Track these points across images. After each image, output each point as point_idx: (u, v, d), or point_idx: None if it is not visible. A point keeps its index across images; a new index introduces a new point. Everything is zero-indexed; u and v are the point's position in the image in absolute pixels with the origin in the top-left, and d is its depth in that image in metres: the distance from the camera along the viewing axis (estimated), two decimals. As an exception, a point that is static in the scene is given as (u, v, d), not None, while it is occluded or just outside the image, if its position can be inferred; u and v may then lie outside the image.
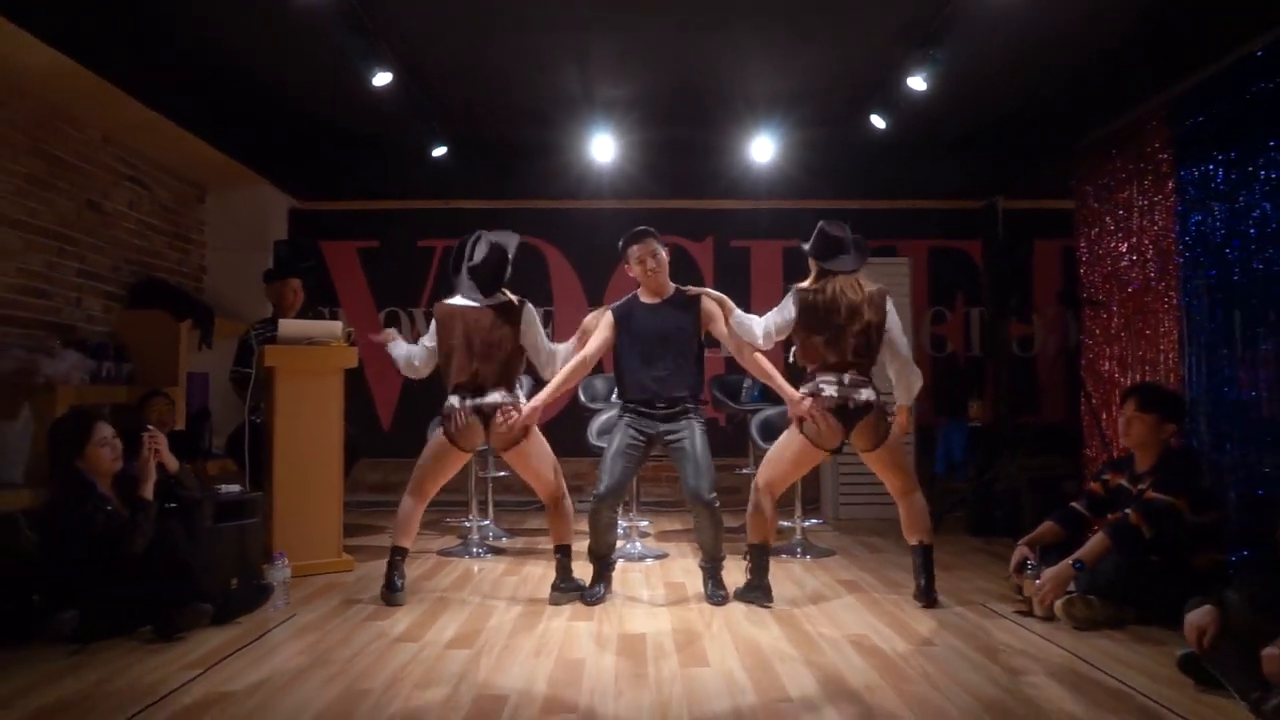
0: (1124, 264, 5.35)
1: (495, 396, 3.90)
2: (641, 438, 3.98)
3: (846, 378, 3.80)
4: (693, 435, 3.93)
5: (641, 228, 4.04)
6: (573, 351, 4.06)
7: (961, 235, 7.36)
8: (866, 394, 3.80)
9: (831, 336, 3.82)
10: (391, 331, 4.28)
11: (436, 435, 4.02)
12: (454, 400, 3.93)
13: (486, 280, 4.00)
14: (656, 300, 4.05)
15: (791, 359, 4.03)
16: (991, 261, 6.44)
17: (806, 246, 4.01)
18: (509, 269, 4.05)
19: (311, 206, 7.35)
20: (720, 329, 4.04)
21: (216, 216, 6.90)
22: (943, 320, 7.43)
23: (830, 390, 3.78)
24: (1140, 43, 4.92)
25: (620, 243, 4.05)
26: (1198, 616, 2.72)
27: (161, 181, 6.24)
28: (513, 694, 2.74)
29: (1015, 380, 6.77)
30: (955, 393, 6.98)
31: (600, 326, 4.06)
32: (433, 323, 4.06)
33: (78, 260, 5.33)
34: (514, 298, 4.05)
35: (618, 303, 4.13)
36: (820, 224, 4.01)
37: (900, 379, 3.94)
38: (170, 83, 5.42)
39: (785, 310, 3.91)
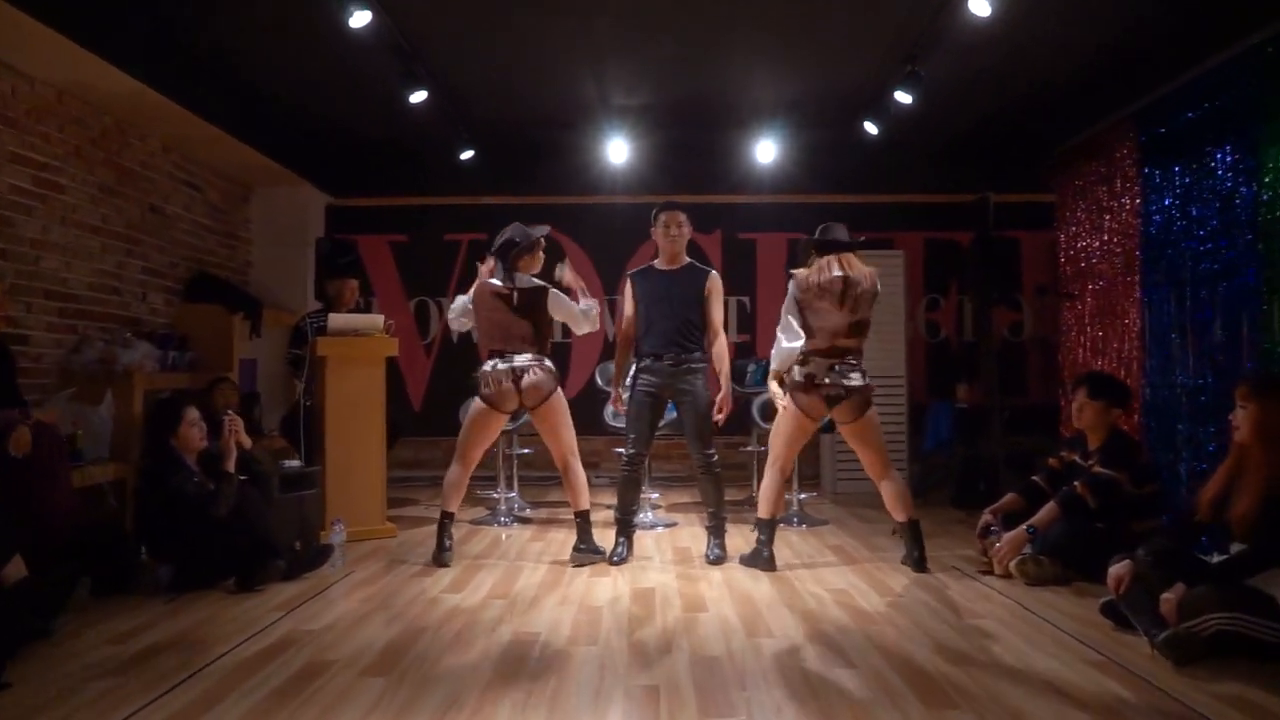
0: (1095, 259, 5.82)
1: (524, 359, 4.41)
2: (653, 388, 4.52)
3: (838, 365, 4.23)
4: (696, 398, 4.48)
5: (673, 203, 4.70)
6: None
7: (956, 227, 7.79)
8: (854, 379, 4.24)
9: (827, 317, 4.21)
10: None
11: (475, 402, 4.53)
12: (488, 366, 4.46)
13: (504, 259, 4.52)
14: (670, 267, 4.63)
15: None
16: (979, 252, 6.89)
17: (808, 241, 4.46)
18: (514, 250, 4.50)
19: (346, 203, 7.88)
20: (709, 305, 4.58)
21: (260, 214, 7.45)
22: (937, 308, 7.90)
23: (823, 376, 4.22)
24: (1110, 59, 5.37)
25: (654, 210, 4.68)
26: (1117, 569, 3.24)
27: (212, 184, 6.79)
28: (543, 632, 3.30)
29: (1004, 364, 7.25)
30: (946, 376, 7.47)
31: (625, 295, 4.73)
32: (471, 293, 4.60)
33: (142, 259, 5.90)
34: (540, 283, 4.57)
35: (636, 268, 4.77)
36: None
37: None
38: (222, 98, 5.94)
39: (789, 302, 4.34)
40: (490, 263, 4.58)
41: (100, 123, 5.43)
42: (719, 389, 4.57)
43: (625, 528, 4.59)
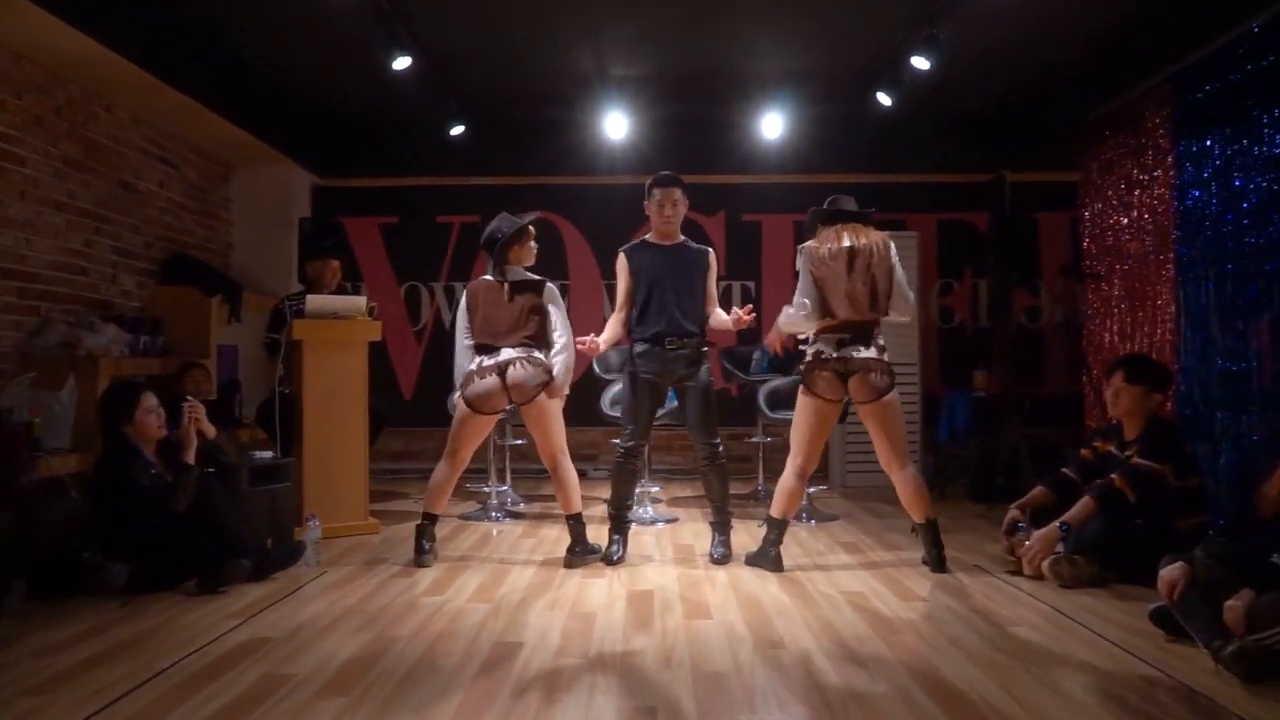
0: (1124, 237, 5.47)
1: (511, 352, 4.05)
2: (652, 375, 4.14)
3: (847, 339, 3.89)
4: (700, 384, 4.12)
5: (669, 174, 4.26)
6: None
7: (970, 208, 7.44)
8: (866, 352, 3.87)
9: (838, 290, 3.88)
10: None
11: (460, 402, 4.16)
12: (472, 366, 4.10)
13: (492, 252, 4.22)
14: (666, 243, 4.26)
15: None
16: (997, 234, 6.54)
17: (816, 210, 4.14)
18: (500, 243, 4.17)
19: (333, 184, 7.53)
20: (706, 280, 4.23)
21: (242, 194, 7.11)
22: (950, 292, 7.55)
23: (829, 352, 3.89)
24: (1142, 20, 5.01)
25: (648, 182, 4.26)
26: (1169, 571, 2.90)
27: (189, 161, 6.45)
28: (528, 642, 2.97)
29: (1021, 351, 6.90)
30: (961, 363, 7.13)
31: (619, 272, 4.29)
32: (462, 299, 4.29)
33: (113, 239, 5.56)
34: (535, 276, 4.25)
35: (629, 244, 4.37)
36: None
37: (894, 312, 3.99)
38: (196, 67, 5.59)
39: (803, 275, 4.01)
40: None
41: (65, 91, 5.08)
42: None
43: (620, 524, 4.25)
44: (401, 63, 5.17)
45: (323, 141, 7.26)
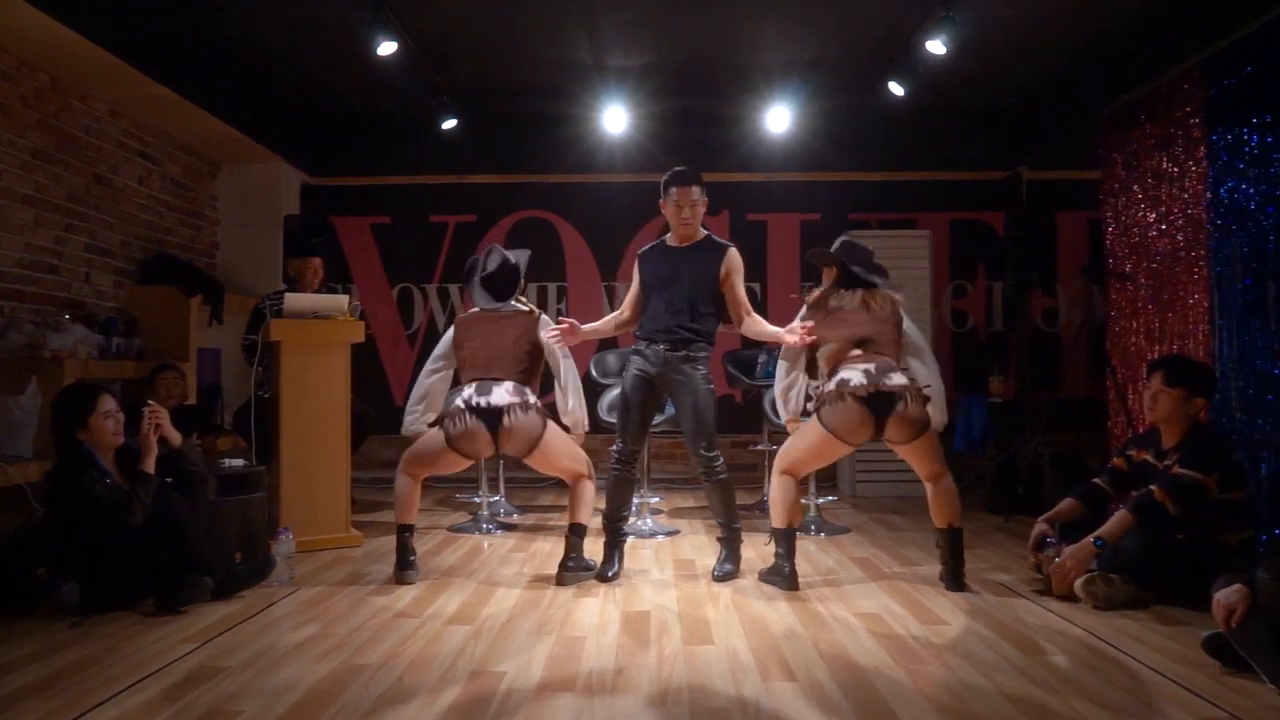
0: (1152, 234, 5.18)
1: (503, 392, 3.75)
2: (645, 375, 3.88)
3: (874, 366, 3.56)
4: (694, 390, 3.82)
5: (686, 169, 3.95)
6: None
7: (984, 207, 7.16)
8: (898, 378, 3.54)
9: (851, 320, 3.68)
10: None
11: (437, 431, 3.84)
12: (459, 400, 3.77)
13: (499, 288, 4.03)
14: (683, 244, 3.97)
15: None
16: (1014, 234, 6.26)
17: (826, 252, 3.91)
18: (520, 280, 4.09)
19: (323, 182, 7.28)
20: (731, 285, 3.93)
21: (229, 193, 6.86)
22: (963, 294, 7.26)
23: (858, 379, 3.52)
24: (1171, 2, 4.73)
25: (663, 180, 3.96)
26: (1226, 595, 2.59)
27: (172, 157, 6.19)
28: (509, 671, 2.67)
29: (1038, 355, 6.62)
30: (975, 368, 6.83)
31: (634, 277, 4.07)
32: (449, 331, 4.07)
33: (87, 236, 5.30)
34: (529, 308, 4.05)
35: (647, 246, 4.11)
36: (845, 236, 3.95)
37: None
38: (176, 57, 5.34)
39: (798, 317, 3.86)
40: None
41: (34, 80, 4.83)
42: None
43: (615, 537, 3.95)
44: (387, 48, 4.91)
45: (313, 139, 7.01)
